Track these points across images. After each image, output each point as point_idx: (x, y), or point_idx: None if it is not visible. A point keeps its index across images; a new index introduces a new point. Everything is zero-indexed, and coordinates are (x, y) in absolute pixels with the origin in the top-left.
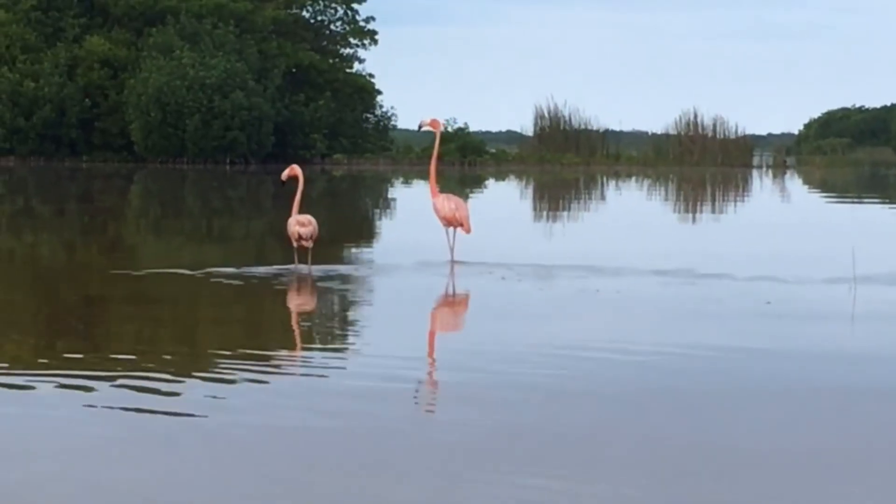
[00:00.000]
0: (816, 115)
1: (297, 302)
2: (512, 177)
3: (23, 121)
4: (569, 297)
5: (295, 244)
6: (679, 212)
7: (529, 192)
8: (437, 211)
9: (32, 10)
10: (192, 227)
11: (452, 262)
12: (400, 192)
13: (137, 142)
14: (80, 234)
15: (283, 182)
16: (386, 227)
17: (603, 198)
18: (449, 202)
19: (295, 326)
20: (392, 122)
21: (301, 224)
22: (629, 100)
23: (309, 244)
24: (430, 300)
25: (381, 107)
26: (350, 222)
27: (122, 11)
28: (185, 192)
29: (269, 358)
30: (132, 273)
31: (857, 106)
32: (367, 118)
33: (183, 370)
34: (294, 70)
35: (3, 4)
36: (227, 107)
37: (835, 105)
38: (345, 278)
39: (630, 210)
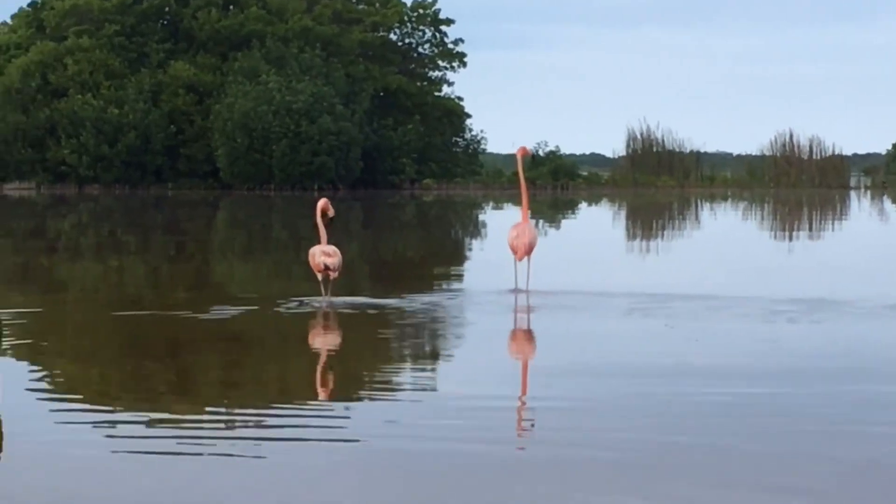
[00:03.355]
0: None
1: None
2: (606, 200)
3: (107, 148)
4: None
5: (319, 275)
6: (805, 236)
7: (634, 216)
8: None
9: (116, 35)
10: (269, 259)
11: (518, 289)
12: (490, 217)
13: (223, 168)
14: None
15: (332, 218)
16: (477, 252)
17: (718, 222)
18: (513, 230)
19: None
20: (482, 146)
21: (326, 255)
22: (709, 121)
23: (334, 275)
24: (535, 331)
25: (470, 130)
26: (440, 248)
27: (206, 36)
28: (272, 220)
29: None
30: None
31: None
32: (457, 142)
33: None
34: (382, 93)
35: (86, 30)
36: (315, 132)
37: None
38: (431, 307)
39: (753, 236)
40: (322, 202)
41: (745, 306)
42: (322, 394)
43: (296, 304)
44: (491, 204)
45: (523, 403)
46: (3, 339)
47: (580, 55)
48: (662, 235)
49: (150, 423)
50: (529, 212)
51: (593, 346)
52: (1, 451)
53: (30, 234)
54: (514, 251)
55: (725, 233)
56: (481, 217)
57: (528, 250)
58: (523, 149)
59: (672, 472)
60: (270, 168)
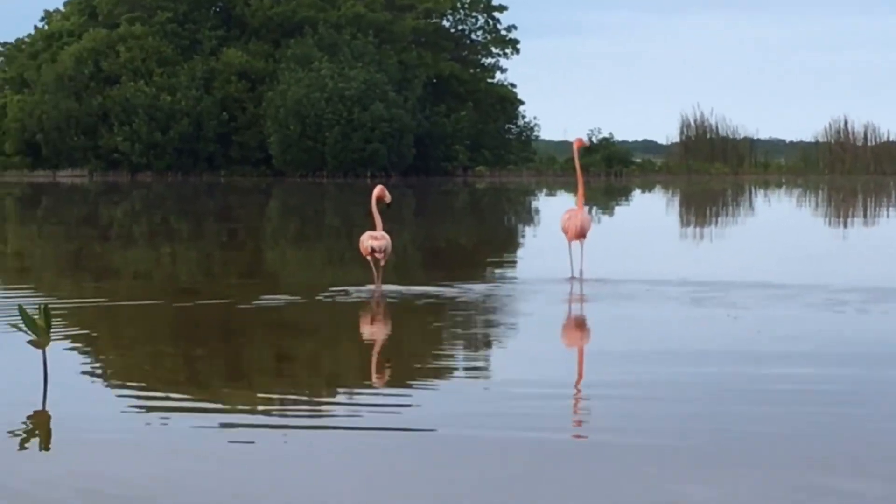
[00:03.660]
0: None
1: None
2: (659, 187)
3: (160, 135)
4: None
5: (369, 259)
6: (861, 223)
7: (688, 204)
8: None
9: (168, 22)
10: (321, 247)
11: (574, 277)
12: (544, 204)
13: (276, 156)
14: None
15: (389, 204)
16: (531, 240)
17: (773, 210)
18: (565, 214)
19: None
20: (534, 133)
21: (373, 238)
22: (763, 108)
23: (382, 257)
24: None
25: (523, 117)
26: (494, 235)
27: (259, 23)
28: (324, 208)
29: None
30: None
31: None
32: (510, 129)
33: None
34: (434, 80)
35: (138, 17)
36: (367, 119)
37: None
38: (486, 295)
39: (810, 223)
40: (378, 189)
41: (807, 294)
42: (377, 382)
43: (348, 292)
44: (544, 191)
45: (580, 391)
46: (53, 328)
47: (633, 42)
48: (718, 223)
49: (200, 412)
50: (584, 199)
51: (653, 335)
52: (50, 439)
53: (82, 221)
54: (565, 232)
55: (781, 220)
56: (534, 204)
57: (580, 233)
58: (580, 140)
59: (731, 459)
60: (323, 155)
